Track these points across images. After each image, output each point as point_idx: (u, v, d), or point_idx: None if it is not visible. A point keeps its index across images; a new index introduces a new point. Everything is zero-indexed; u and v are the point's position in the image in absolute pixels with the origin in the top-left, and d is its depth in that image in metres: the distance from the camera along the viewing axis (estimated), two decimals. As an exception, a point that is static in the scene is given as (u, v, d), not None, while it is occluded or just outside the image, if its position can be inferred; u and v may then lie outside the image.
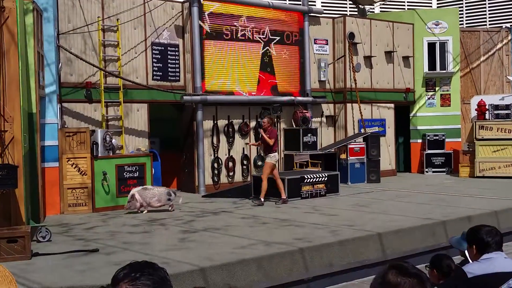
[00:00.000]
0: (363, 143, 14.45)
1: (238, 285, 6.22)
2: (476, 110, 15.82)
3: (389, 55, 16.19)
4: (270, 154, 11.04)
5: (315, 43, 15.12)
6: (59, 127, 10.32)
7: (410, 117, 16.96)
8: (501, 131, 15.22)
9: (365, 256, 7.50)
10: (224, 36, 13.21)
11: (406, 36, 16.56)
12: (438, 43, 16.65)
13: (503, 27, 17.99)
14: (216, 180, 13.16)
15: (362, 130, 15.18)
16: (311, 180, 11.76)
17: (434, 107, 16.82)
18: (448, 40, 16.64)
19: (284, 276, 6.70)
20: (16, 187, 7.17)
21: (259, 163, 13.85)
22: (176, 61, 12.90)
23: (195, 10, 12.63)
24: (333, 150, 14.42)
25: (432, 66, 16.73)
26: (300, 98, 14.37)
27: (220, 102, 13.16)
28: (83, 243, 7.59)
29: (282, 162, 14.26)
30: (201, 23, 12.76)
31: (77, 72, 11.39)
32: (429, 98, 16.84)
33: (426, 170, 16.33)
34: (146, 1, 12.35)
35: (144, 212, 10.06)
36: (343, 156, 14.27)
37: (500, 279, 3.64)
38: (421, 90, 16.83)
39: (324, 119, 15.36)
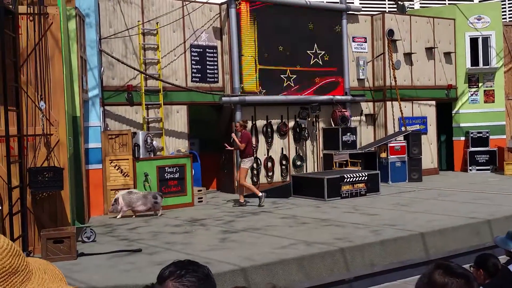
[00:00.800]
0: (404, 141, 14.24)
1: (279, 285, 6.23)
2: (521, 106, 15.37)
3: (429, 51, 15.90)
4: (244, 159, 11.04)
5: (353, 41, 14.99)
6: (102, 130, 10.55)
7: (453, 114, 16.60)
8: (548, 127, 14.73)
9: (407, 256, 7.40)
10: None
11: (447, 31, 16.23)
12: (480, 38, 16.26)
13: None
14: (255, 180, 13.20)
15: (403, 128, 14.96)
16: (351, 180, 11.66)
17: (478, 103, 16.43)
18: (491, 34, 16.22)
19: (325, 276, 6.67)
20: (62, 189, 7.37)
21: (298, 163, 13.83)
22: (215, 63, 13.00)
23: (232, 11, 12.70)
24: (373, 149, 14.26)
25: (474, 61, 16.35)
26: (338, 97, 14.27)
27: (258, 103, 13.19)
28: (127, 243, 7.73)
29: (321, 161, 14.18)
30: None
31: (119, 76, 11.62)
32: (472, 95, 16.46)
33: (470, 168, 15.96)
34: (184, 4, 12.50)
35: (118, 217, 9.82)
36: (383, 155, 14.10)
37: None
38: (464, 86, 16.46)
39: (363, 117, 15.21)
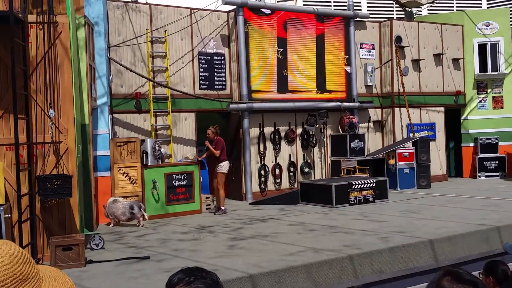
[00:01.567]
0: (412, 148, 14.19)
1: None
2: (530, 112, 15.30)
3: (438, 57, 15.87)
4: (220, 164, 11.02)
5: (361, 48, 14.99)
6: (110, 137, 10.60)
7: (461, 121, 16.54)
8: (558, 133, 14.64)
9: (416, 263, 7.36)
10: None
11: (455, 38, 16.20)
12: (489, 44, 16.21)
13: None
14: (263, 187, 13.20)
15: (411, 135, 14.91)
16: (359, 186, 11.63)
17: (486, 109, 16.36)
18: (499, 41, 16.18)
19: (334, 284, 6.65)
20: (71, 196, 7.41)
21: (306, 170, 13.81)
22: (223, 70, 13.05)
23: (240, 19, 12.76)
24: (381, 155, 14.23)
25: (483, 67, 16.30)
26: (346, 104, 14.27)
27: (266, 110, 13.21)
28: (135, 250, 7.75)
29: (329, 168, 14.17)
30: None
31: (127, 84, 11.68)
32: (480, 101, 16.40)
33: (479, 174, 15.88)
34: (192, 12, 12.57)
35: (111, 225, 9.80)
36: (391, 161, 14.05)
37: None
38: (472, 92, 16.41)
39: (371, 124, 15.18)
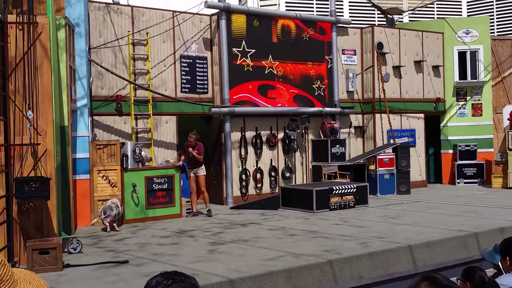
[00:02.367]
0: (392, 154, 14.30)
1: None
2: (508, 119, 15.53)
3: (418, 64, 16.04)
4: (200, 167, 11.12)
5: (343, 54, 15.08)
6: (90, 140, 10.50)
7: (441, 127, 16.73)
8: (535, 141, 14.88)
9: (395, 269, 7.40)
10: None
11: (436, 45, 16.39)
12: (468, 52, 16.43)
13: (536, 35, 17.65)
14: (244, 191, 13.18)
15: (392, 141, 15.03)
16: (339, 192, 11.68)
17: (466, 116, 16.57)
18: (479, 48, 16.40)
19: (313, 289, 6.65)
20: (48, 199, 7.30)
21: (287, 174, 13.83)
22: (204, 73, 13.02)
23: (223, 22, 12.75)
24: (361, 161, 14.31)
25: (463, 75, 16.51)
26: (328, 109, 14.33)
27: (248, 114, 13.20)
28: (113, 254, 7.67)
29: (310, 173, 14.20)
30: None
31: (108, 86, 11.59)
32: (460, 108, 16.60)
33: (458, 181, 16.05)
34: (175, 14, 12.53)
35: (108, 230, 9.61)
36: (372, 167, 14.14)
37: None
38: (452, 99, 16.61)
39: (352, 129, 15.27)
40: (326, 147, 13.87)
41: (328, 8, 15.63)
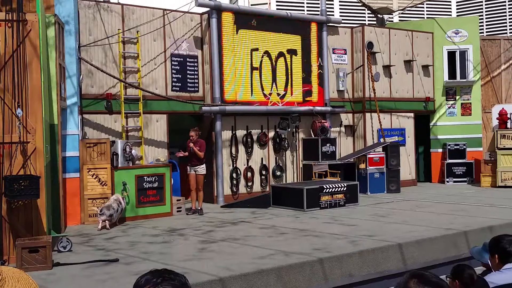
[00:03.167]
0: (382, 152, 14.36)
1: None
2: (497, 119, 15.64)
3: (408, 64, 16.11)
4: (201, 166, 11.12)
5: (333, 53, 15.12)
6: (80, 138, 10.45)
7: (430, 127, 16.82)
8: (523, 140, 15.01)
9: (385, 267, 7.44)
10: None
11: (425, 45, 16.47)
12: (458, 51, 16.53)
13: (524, 35, 17.79)
14: (234, 190, 13.18)
15: (382, 140, 15.10)
16: (330, 190, 11.71)
17: (455, 116, 16.67)
18: (468, 48, 16.51)
19: (303, 287, 6.67)
20: (38, 197, 7.27)
21: (278, 173, 13.85)
22: (195, 72, 13.00)
23: (213, 21, 12.73)
24: (352, 160, 14.36)
25: (452, 75, 16.60)
26: (318, 108, 14.36)
27: (239, 113, 13.20)
28: (104, 253, 7.64)
29: (301, 172, 14.23)
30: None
31: (98, 84, 11.54)
32: (449, 107, 16.70)
33: (447, 180, 16.15)
34: (165, 13, 12.49)
35: (98, 229, 9.56)
36: (362, 166, 14.20)
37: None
38: (441, 99, 16.70)
39: (343, 128, 15.32)
40: (317, 146, 13.91)
41: (318, 7, 15.64)
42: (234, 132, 13.25)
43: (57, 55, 9.02)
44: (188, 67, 12.88)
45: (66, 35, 10.15)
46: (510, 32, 19.94)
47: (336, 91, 15.15)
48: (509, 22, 20.28)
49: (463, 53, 16.51)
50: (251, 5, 18.38)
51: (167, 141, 12.45)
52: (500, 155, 15.05)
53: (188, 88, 12.87)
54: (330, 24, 14.91)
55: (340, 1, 19.76)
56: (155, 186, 11.00)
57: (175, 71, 12.67)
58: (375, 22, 17.90)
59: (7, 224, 7.37)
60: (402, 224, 9.42)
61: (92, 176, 10.43)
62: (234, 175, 13.16)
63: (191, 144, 10.98)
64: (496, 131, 15.33)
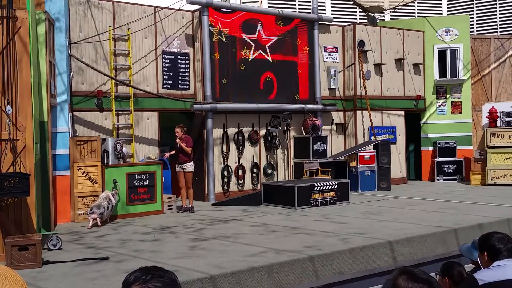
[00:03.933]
0: (373, 151, 14.41)
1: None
2: (487, 117, 15.73)
3: (399, 62, 16.16)
4: (189, 163, 11.14)
5: (325, 51, 15.14)
6: (70, 136, 10.40)
7: (421, 125, 16.90)
8: (513, 139, 15.11)
9: (375, 264, 7.46)
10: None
11: (416, 43, 16.54)
12: (448, 50, 16.61)
13: (514, 34, 17.90)
14: (226, 188, 13.17)
15: (372, 138, 15.14)
16: (321, 188, 11.73)
17: (445, 114, 16.75)
18: (458, 47, 16.59)
19: (294, 284, 6.68)
20: (28, 195, 7.22)
21: (269, 171, 13.86)
22: (186, 70, 12.97)
23: (205, 19, 12.71)
24: (343, 158, 14.39)
25: (442, 73, 16.69)
26: (310, 106, 14.38)
27: (230, 110, 13.19)
28: (94, 251, 7.61)
29: (292, 170, 14.25)
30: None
31: (88, 81, 11.49)
32: (439, 106, 16.78)
33: (437, 178, 16.24)
34: (157, 10, 12.45)
35: (89, 227, 9.54)
36: (353, 164, 14.24)
37: (511, 287, 3.61)
38: (432, 97, 16.78)
39: (334, 127, 15.35)
40: (308, 144, 13.93)
41: (310, 5, 15.65)
42: (225, 130, 13.24)
43: (47, 52, 8.96)
44: (179, 65, 12.85)
45: (56, 32, 10.09)
46: (500, 31, 20.05)
47: (327, 89, 15.17)
48: (500, 21, 20.40)
49: (453, 52, 16.60)
50: (243, 2, 18.36)
51: (158, 139, 12.41)
52: (490, 153, 15.15)
53: (179, 86, 12.84)
54: (321, 22, 14.92)
55: (331, 0, 19.78)
56: (146, 184, 10.98)
57: (166, 69, 12.64)
58: (366, 21, 17.94)
59: (-3, 222, 7.32)
60: (392, 221, 9.46)
61: (83, 174, 10.39)
62: (225, 173, 13.15)
63: (178, 141, 10.98)
64: (486, 129, 15.42)
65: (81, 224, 9.96)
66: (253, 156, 13.71)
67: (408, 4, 20.02)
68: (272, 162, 14.02)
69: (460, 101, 16.73)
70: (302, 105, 14.23)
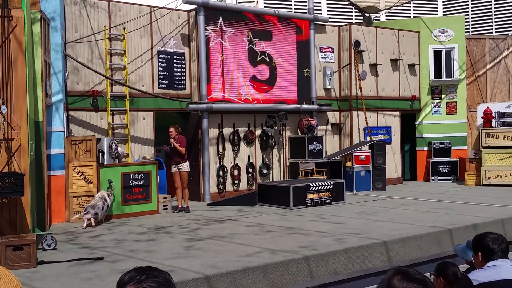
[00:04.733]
0: (368, 151, 14.43)
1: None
2: (482, 118, 15.78)
3: (394, 63, 16.20)
4: (184, 163, 11.15)
5: (320, 51, 15.15)
6: (65, 135, 10.37)
7: (416, 125, 16.93)
8: (507, 139, 15.16)
9: (370, 264, 7.48)
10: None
11: (412, 44, 16.58)
12: (444, 51, 16.65)
13: (509, 34, 17.99)
14: (221, 188, 13.17)
15: (368, 138, 15.17)
16: (316, 188, 11.74)
17: (440, 115, 16.80)
18: (454, 47, 16.64)
19: (289, 285, 6.69)
20: (22, 195, 7.20)
21: (265, 171, 13.86)
22: (182, 70, 12.96)
23: (201, 18, 12.70)
24: (338, 158, 14.41)
25: (438, 74, 16.73)
26: (305, 106, 14.39)
27: (226, 110, 13.19)
28: (89, 251, 7.60)
29: (288, 170, 14.25)
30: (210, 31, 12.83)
31: (84, 81, 11.46)
32: (435, 106, 16.82)
33: (432, 178, 16.28)
34: (152, 10, 12.44)
35: (83, 227, 9.52)
36: (348, 164, 14.26)
37: (505, 287, 3.62)
38: (427, 98, 16.82)
39: (329, 127, 15.37)
40: (304, 144, 13.95)
41: (306, 5, 15.66)
42: (221, 130, 13.24)
43: (42, 51, 8.94)
44: (175, 65, 12.84)
45: (52, 32, 10.07)
46: (495, 32, 20.12)
47: (323, 89, 15.19)
48: (495, 21, 20.47)
49: (449, 52, 16.64)
50: (239, 2, 18.36)
51: (153, 139, 12.40)
52: (484, 153, 15.19)
53: (175, 86, 12.83)
54: (317, 22, 14.94)
55: (327, 0, 19.80)
56: (141, 183, 10.96)
57: (162, 69, 12.62)
58: (362, 21, 17.97)
59: (-9, 222, 7.30)
60: (387, 222, 9.48)
61: (78, 174, 10.36)
62: (221, 173, 13.15)
63: (172, 140, 10.97)
64: (481, 129, 15.47)
65: (76, 224, 9.93)
66: (248, 156, 13.71)
67: (404, 5, 20.07)
68: (267, 162, 14.03)
69: (455, 102, 16.78)
70: (298, 105, 14.24)
